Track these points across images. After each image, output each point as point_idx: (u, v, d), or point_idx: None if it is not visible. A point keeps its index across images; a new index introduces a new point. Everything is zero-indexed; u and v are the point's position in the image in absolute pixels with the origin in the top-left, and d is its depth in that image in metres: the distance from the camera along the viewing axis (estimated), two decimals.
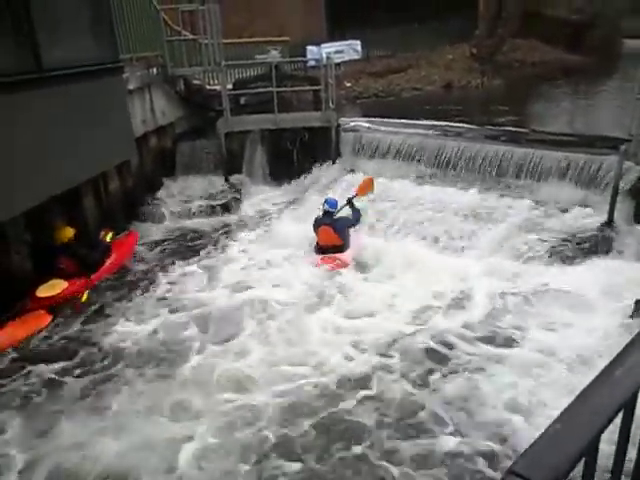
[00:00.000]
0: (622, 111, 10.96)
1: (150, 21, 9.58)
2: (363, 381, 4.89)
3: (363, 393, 4.72)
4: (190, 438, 4.23)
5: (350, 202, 7.76)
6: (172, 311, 6.26)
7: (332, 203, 7.43)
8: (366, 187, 8.20)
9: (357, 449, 4.12)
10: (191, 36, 10.56)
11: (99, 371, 5.20)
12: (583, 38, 26.31)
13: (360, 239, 7.57)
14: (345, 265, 6.97)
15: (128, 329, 5.91)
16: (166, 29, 9.94)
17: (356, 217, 7.68)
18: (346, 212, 7.73)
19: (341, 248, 7.23)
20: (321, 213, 7.46)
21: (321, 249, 7.27)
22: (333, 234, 7.24)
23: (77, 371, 5.20)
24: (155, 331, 5.84)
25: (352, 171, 9.60)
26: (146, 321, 6.05)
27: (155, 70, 9.74)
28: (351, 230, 7.57)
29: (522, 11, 23.02)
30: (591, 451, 0.66)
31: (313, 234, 7.48)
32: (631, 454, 0.83)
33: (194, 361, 5.26)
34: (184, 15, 10.96)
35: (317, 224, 7.37)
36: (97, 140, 6.62)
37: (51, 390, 4.91)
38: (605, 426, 0.65)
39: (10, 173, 5.14)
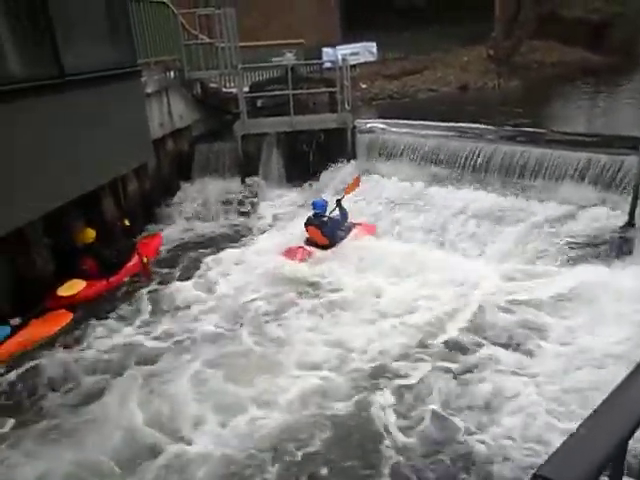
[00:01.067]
0: None
1: (168, 25, 9.68)
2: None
3: None
4: None
5: (339, 204, 7.88)
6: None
7: (319, 205, 7.65)
8: (353, 186, 8.33)
9: None
10: (208, 40, 10.65)
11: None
12: (603, 38, 25.96)
13: (359, 237, 7.66)
14: (310, 253, 7.33)
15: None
16: (184, 33, 10.04)
17: (344, 217, 7.86)
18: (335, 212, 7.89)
19: (327, 247, 7.48)
20: (312, 214, 7.65)
21: (310, 243, 7.62)
22: (320, 235, 7.51)
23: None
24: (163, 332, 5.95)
25: (368, 172, 9.59)
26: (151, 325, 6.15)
27: (172, 74, 9.85)
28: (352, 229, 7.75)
29: (539, 13, 22.77)
30: (618, 456, 0.65)
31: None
32: None
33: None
34: (201, 19, 11.08)
35: (307, 223, 7.65)
36: (115, 143, 6.70)
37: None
38: (633, 431, 0.65)
39: (31, 176, 5.23)
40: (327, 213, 7.68)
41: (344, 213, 7.88)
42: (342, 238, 7.58)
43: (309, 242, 7.63)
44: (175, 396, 4.79)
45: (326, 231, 7.49)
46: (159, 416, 4.53)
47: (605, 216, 7.13)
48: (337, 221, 7.72)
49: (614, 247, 6.60)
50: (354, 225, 7.90)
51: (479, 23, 22.61)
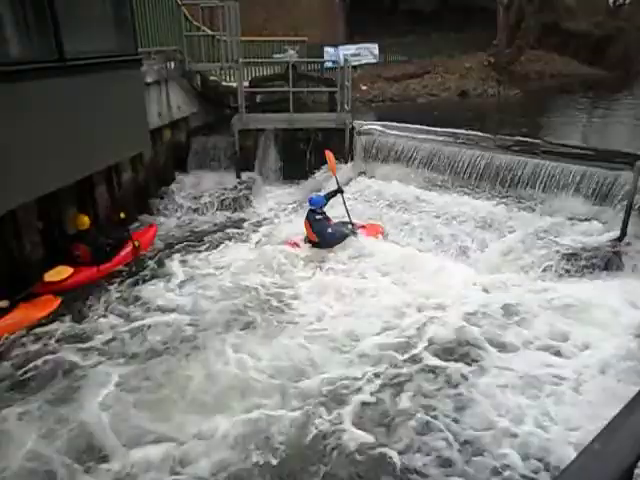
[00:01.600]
0: (638, 127, 10.89)
1: (170, 16, 9.62)
2: None
3: None
4: None
5: (351, 226, 7.75)
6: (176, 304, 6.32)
7: (315, 201, 7.60)
8: (373, 232, 7.97)
9: None
10: (210, 32, 10.60)
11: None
12: (603, 53, 26.18)
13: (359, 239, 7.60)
14: (296, 245, 7.47)
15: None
16: (186, 24, 9.98)
17: (332, 225, 7.63)
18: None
19: (318, 245, 7.47)
20: (309, 210, 7.66)
21: (309, 240, 7.64)
22: (311, 232, 7.51)
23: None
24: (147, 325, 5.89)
25: (364, 174, 9.60)
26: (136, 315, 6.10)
27: (173, 64, 9.79)
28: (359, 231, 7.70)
29: (541, 23, 22.94)
30: (630, 472, 0.65)
31: None
32: None
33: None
34: (204, 11, 11.02)
35: (305, 218, 7.67)
36: (113, 130, 6.65)
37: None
38: None
39: (27, 158, 5.18)
40: (325, 210, 7.65)
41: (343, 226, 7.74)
42: (333, 240, 7.46)
43: (307, 238, 7.67)
44: (156, 397, 4.72)
45: (315, 227, 7.46)
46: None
47: (597, 230, 7.19)
48: (326, 220, 7.57)
49: (605, 261, 6.64)
50: (360, 227, 7.80)
51: (482, 30, 22.75)
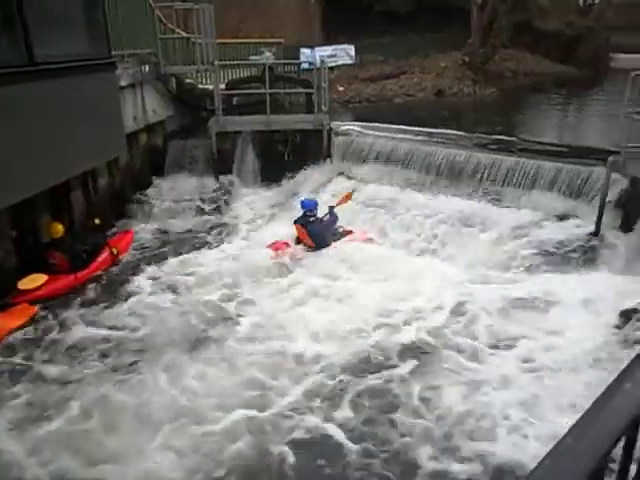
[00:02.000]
0: (610, 124, 11.12)
1: (144, 18, 9.51)
2: None
3: None
4: None
5: (331, 211, 7.87)
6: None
7: (307, 204, 7.66)
8: (345, 199, 8.28)
9: None
10: (185, 35, 10.51)
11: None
12: (574, 51, 26.67)
13: (350, 241, 7.64)
14: (287, 246, 7.46)
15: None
16: (160, 27, 9.88)
17: (332, 221, 7.81)
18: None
19: (313, 249, 7.47)
20: (301, 213, 7.68)
21: (299, 243, 7.66)
22: (305, 235, 7.52)
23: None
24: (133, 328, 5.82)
25: (343, 175, 9.61)
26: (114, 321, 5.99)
27: (148, 67, 9.68)
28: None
29: (514, 23, 23.28)
30: (603, 465, 0.65)
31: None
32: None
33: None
34: (178, 14, 10.93)
35: (295, 221, 7.70)
36: (88, 135, 6.54)
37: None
38: (617, 439, 0.65)
39: None
40: (318, 214, 7.66)
41: (333, 219, 7.84)
42: (329, 242, 7.54)
43: (298, 241, 7.68)
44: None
45: (311, 231, 7.46)
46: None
47: (572, 225, 7.31)
48: (326, 224, 7.67)
49: (581, 256, 6.76)
50: (348, 232, 7.86)
51: (457, 30, 23.00)
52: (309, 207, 7.64)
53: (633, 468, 0.79)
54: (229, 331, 5.76)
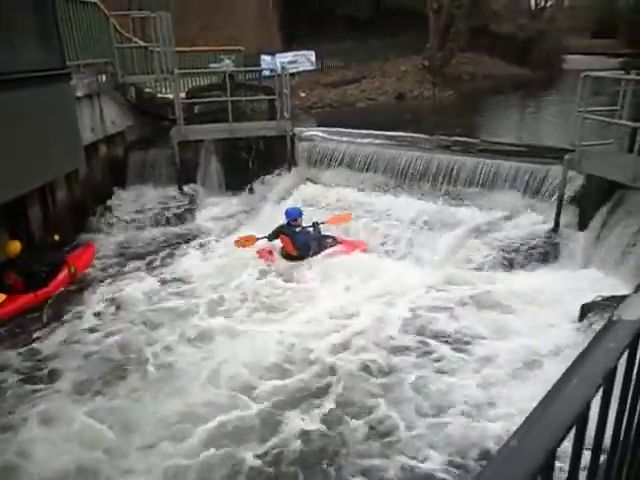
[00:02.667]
0: (565, 123, 11.46)
1: (99, 27, 9.34)
2: None
3: None
4: None
5: (315, 226, 7.60)
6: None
7: (292, 213, 7.48)
8: (341, 219, 8.03)
9: None
10: (143, 43, 10.36)
11: None
12: (529, 54, 27.48)
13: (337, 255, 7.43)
14: (271, 254, 7.34)
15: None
16: (116, 36, 9.72)
17: (314, 237, 7.47)
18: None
19: (299, 258, 7.30)
20: (285, 223, 7.49)
21: (284, 254, 7.45)
22: (291, 245, 7.34)
23: None
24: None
25: (308, 180, 9.62)
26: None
27: (104, 77, 9.49)
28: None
29: (470, 26, 23.83)
30: (548, 466, 0.66)
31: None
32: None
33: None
34: (135, 22, 10.78)
35: (278, 231, 7.49)
36: (42, 148, 6.36)
37: None
38: (561, 440, 0.65)
39: None
40: (302, 223, 7.46)
41: (316, 234, 7.55)
42: (316, 252, 7.34)
43: (283, 251, 7.50)
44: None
45: (297, 241, 7.28)
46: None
47: (533, 222, 7.50)
48: (309, 233, 7.45)
49: (542, 252, 6.94)
50: (340, 242, 7.58)
51: (416, 34, 23.38)
52: (294, 216, 7.43)
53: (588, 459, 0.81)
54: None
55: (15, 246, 6.49)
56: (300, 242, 7.30)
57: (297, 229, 7.38)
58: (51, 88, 6.54)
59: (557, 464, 0.63)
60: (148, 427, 4.33)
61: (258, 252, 7.47)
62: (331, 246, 7.49)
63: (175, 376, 5.05)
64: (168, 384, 4.92)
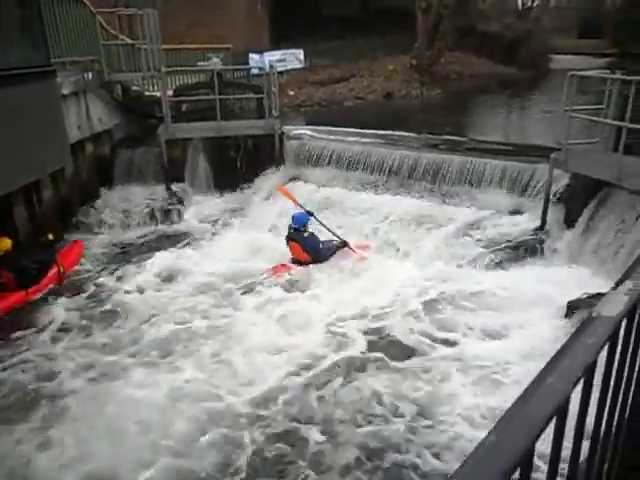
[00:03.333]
0: (552, 122, 11.56)
1: (85, 24, 9.25)
2: None
3: None
4: None
5: (342, 245, 7.42)
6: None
7: (299, 219, 7.24)
8: (361, 250, 7.58)
9: None
10: (129, 41, 10.28)
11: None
12: (516, 53, 27.67)
13: (346, 258, 7.37)
14: (287, 268, 7.06)
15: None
16: (102, 33, 9.63)
17: (323, 241, 7.36)
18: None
19: (309, 263, 7.17)
20: (292, 229, 7.25)
21: (294, 262, 7.25)
22: (302, 252, 7.17)
23: None
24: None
25: (297, 179, 9.61)
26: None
27: (91, 75, 9.40)
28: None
29: (458, 26, 23.95)
30: (526, 460, 0.66)
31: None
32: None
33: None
34: (122, 20, 10.70)
35: (288, 239, 7.27)
36: (27, 146, 6.30)
37: None
38: (538, 434, 0.66)
39: None
40: (309, 228, 7.28)
41: (328, 244, 7.39)
42: (327, 255, 7.24)
43: (293, 259, 7.30)
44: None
45: (307, 247, 7.13)
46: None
47: (520, 220, 7.57)
48: (318, 237, 7.30)
49: (529, 250, 6.99)
50: (345, 244, 7.46)
51: (405, 33, 23.45)
52: (302, 222, 7.23)
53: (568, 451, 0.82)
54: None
55: (4, 243, 6.44)
56: (310, 247, 7.14)
57: (305, 234, 7.17)
58: (36, 85, 6.48)
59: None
60: None
61: (273, 269, 7.14)
62: (339, 248, 7.38)
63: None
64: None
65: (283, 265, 7.21)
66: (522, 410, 0.67)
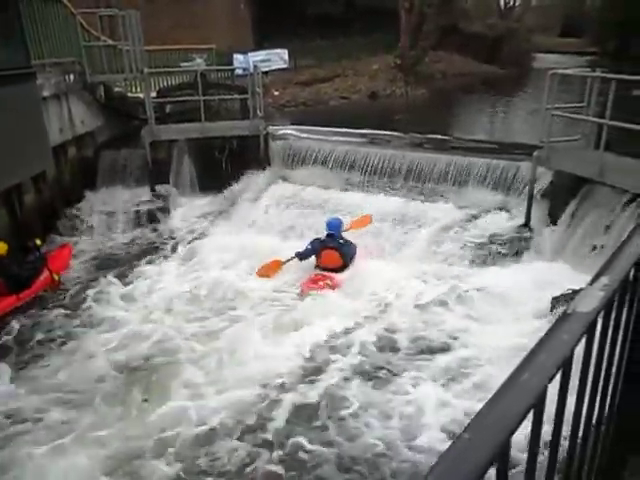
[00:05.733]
0: (535, 120, 11.66)
1: (65, 25, 9.13)
2: None
3: None
4: None
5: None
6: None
7: (335, 225, 6.95)
8: (361, 223, 7.61)
9: None
10: (111, 42, 10.18)
11: None
12: (499, 52, 27.94)
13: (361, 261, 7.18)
14: (334, 287, 6.55)
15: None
16: (84, 34, 9.52)
17: (352, 247, 7.09)
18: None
19: (341, 269, 6.90)
20: (324, 236, 6.95)
21: (322, 269, 6.89)
22: (338, 258, 6.84)
23: None
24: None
25: (282, 179, 9.59)
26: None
27: (72, 77, 9.29)
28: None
29: (441, 25, 24.09)
30: (502, 456, 0.67)
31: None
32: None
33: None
34: (103, 20, 10.58)
35: (320, 246, 6.89)
36: (8, 149, 6.22)
37: None
38: (514, 429, 0.66)
39: None
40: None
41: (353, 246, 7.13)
42: (352, 259, 7.03)
43: (322, 267, 6.88)
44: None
45: (345, 253, 6.84)
46: None
47: (505, 218, 7.62)
48: (350, 243, 7.03)
49: (513, 247, 7.06)
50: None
51: (388, 33, 23.53)
52: (338, 227, 6.93)
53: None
54: None
55: (1, 247, 6.35)
56: (347, 254, 6.86)
57: (341, 240, 6.86)
58: (16, 88, 6.40)
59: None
60: None
61: (305, 285, 6.60)
62: (355, 252, 7.11)
63: None
64: None
65: (324, 277, 6.65)
66: (497, 407, 0.67)
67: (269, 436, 4.29)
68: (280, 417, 4.48)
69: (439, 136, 10.30)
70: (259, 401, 4.66)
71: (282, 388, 4.84)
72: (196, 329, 5.91)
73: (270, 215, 8.78)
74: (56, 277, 6.90)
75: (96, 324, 6.07)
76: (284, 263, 7.05)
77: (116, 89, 10.60)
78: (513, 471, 0.68)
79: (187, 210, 9.48)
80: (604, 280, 0.97)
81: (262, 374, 4.98)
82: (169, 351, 5.45)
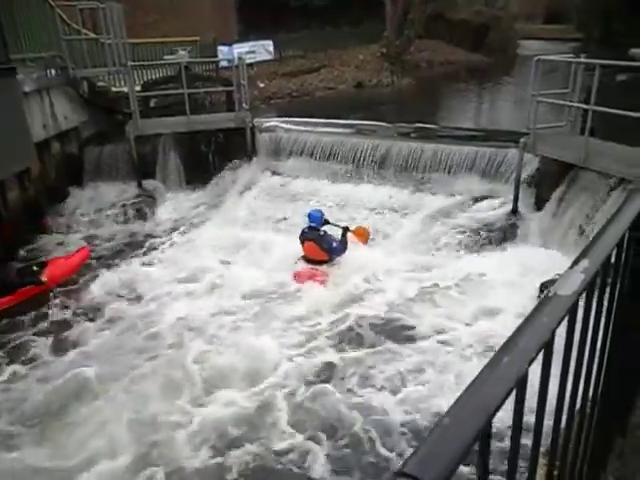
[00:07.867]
0: (520, 106, 11.71)
1: (44, 19, 8.97)
2: None
3: None
4: None
5: (344, 233, 7.03)
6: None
7: (315, 217, 6.90)
8: (362, 236, 7.39)
9: None
10: (92, 35, 10.03)
11: None
12: (484, 40, 27.91)
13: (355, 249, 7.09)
14: (323, 281, 6.57)
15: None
16: (64, 27, 9.36)
17: (336, 238, 6.96)
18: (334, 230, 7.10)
19: (325, 261, 6.86)
20: (306, 227, 6.92)
21: (307, 260, 6.91)
22: (319, 250, 6.81)
23: None
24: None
25: (270, 171, 9.56)
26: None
27: (54, 71, 9.15)
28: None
29: (427, 14, 24.00)
30: (483, 438, 0.67)
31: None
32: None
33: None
34: (84, 13, 10.40)
35: (302, 238, 6.92)
36: None
37: None
38: (495, 411, 0.66)
39: None
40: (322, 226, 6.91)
41: (343, 244, 6.99)
42: (342, 251, 6.92)
43: (306, 260, 6.90)
44: None
45: (325, 245, 6.79)
46: None
47: (493, 205, 7.67)
48: (331, 234, 6.94)
49: (502, 234, 7.10)
50: (346, 229, 7.08)
51: (373, 23, 23.42)
52: (319, 219, 6.87)
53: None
54: None
55: None
56: (328, 245, 6.81)
57: (321, 233, 6.81)
58: None
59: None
60: None
61: (299, 276, 6.66)
62: (347, 241, 7.01)
63: None
64: None
65: (312, 269, 6.73)
66: (477, 391, 0.67)
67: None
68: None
69: (426, 125, 10.29)
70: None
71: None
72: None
73: (258, 207, 8.76)
74: (44, 280, 6.50)
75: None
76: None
77: (99, 83, 10.45)
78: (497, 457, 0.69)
79: (174, 204, 9.41)
80: (585, 263, 0.98)
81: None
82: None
